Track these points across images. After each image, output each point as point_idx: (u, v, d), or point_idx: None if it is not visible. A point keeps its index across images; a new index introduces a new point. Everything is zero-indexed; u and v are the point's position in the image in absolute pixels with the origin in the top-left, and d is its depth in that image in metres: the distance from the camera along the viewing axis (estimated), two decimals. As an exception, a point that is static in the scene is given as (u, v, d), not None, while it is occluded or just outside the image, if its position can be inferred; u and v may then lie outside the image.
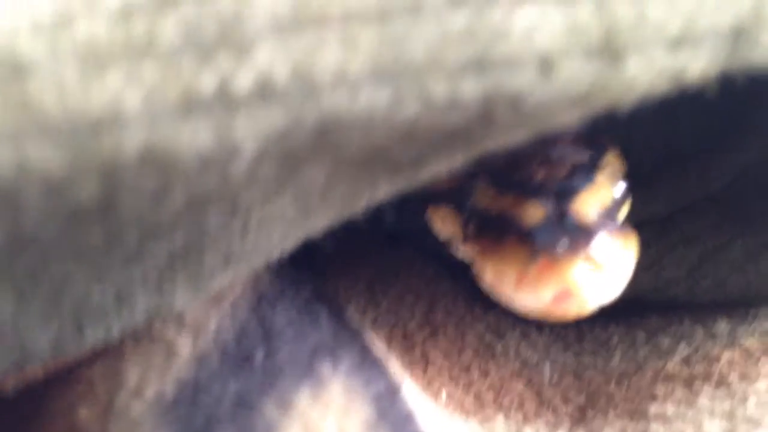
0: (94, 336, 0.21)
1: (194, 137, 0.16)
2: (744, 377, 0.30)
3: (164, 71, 0.16)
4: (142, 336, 0.23)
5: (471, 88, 0.18)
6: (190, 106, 0.16)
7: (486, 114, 0.18)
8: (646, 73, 0.19)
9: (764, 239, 0.32)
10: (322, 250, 0.39)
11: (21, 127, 0.15)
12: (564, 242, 0.23)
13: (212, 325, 0.23)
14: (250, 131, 0.16)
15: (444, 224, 0.29)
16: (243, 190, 0.18)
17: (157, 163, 0.16)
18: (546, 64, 0.18)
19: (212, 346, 0.23)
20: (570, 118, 0.19)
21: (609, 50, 0.19)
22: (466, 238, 0.28)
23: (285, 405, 0.21)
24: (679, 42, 0.19)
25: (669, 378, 0.31)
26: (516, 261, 0.24)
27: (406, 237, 0.39)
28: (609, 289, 0.24)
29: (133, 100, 0.16)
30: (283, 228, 0.21)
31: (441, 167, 0.21)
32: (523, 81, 0.18)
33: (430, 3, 0.18)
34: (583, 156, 0.28)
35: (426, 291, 0.37)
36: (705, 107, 0.36)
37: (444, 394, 0.31)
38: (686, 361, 0.31)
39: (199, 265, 0.20)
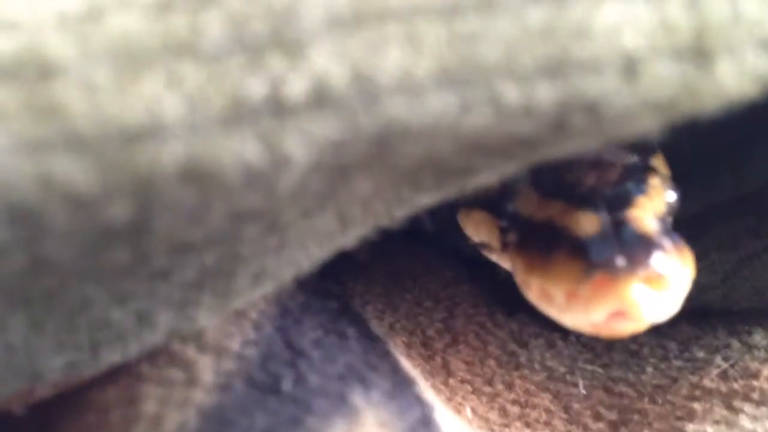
0: (109, 358, 0.19)
1: (241, 149, 0.14)
2: (787, 396, 0.28)
3: (208, 74, 0.14)
4: (160, 356, 0.20)
5: (547, 94, 0.16)
6: (237, 114, 0.14)
7: (560, 121, 0.16)
8: (737, 75, 0.17)
9: None
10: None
11: (46, 136, 0.13)
12: (622, 257, 0.21)
13: (235, 345, 0.21)
14: (303, 142, 0.14)
15: (478, 229, 0.27)
16: (287, 206, 0.16)
17: (198, 178, 0.14)
18: (630, 66, 0.16)
19: (236, 369, 0.20)
20: (651, 125, 0.17)
21: (699, 50, 0.17)
22: (505, 247, 0.25)
23: None
24: None
25: (706, 394, 0.29)
26: (567, 277, 0.22)
27: (425, 236, 0.37)
28: (667, 309, 0.22)
29: (173, 107, 0.13)
30: (320, 241, 0.19)
31: (492, 176, 0.19)
32: (605, 85, 0.16)
33: None
34: (632, 157, 0.26)
35: (445, 295, 0.35)
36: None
37: (469, 410, 0.29)
38: (724, 375, 0.30)
39: (228, 283, 0.18)
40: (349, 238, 0.20)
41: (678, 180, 0.33)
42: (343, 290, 0.34)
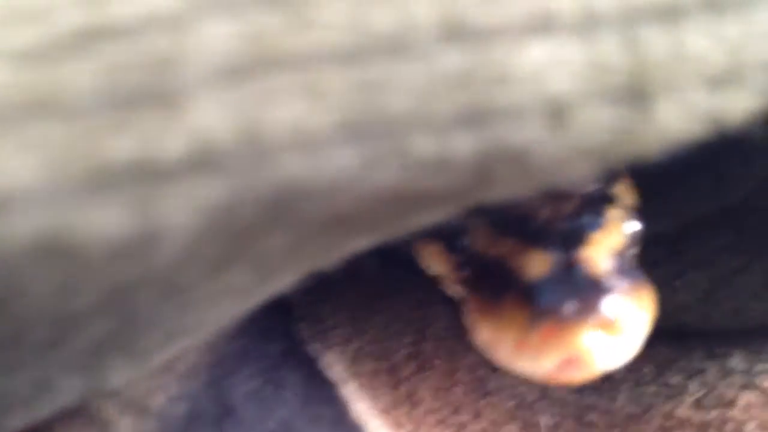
0: (10, 424, 0.18)
1: (105, 220, 0.12)
2: (763, 426, 0.27)
3: (71, 134, 0.12)
4: (76, 416, 0.19)
5: (464, 145, 0.14)
6: (101, 180, 0.12)
7: (483, 173, 0.15)
8: (681, 116, 0.16)
9: None
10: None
11: None
12: (572, 302, 0.20)
13: (158, 403, 0.20)
14: (183, 209, 0.13)
15: (433, 262, 0.26)
16: (178, 273, 0.14)
17: (57, 254, 0.12)
18: (557, 112, 0.15)
19: (156, 430, 0.19)
20: (585, 172, 0.16)
21: (637, 91, 0.15)
22: (458, 282, 0.24)
23: None
24: (721, 80, 0.16)
25: (679, 425, 0.28)
26: (515, 324, 0.20)
27: (393, 257, 0.36)
28: (622, 355, 0.21)
29: (28, 173, 0.12)
30: (238, 297, 0.17)
31: (431, 219, 0.17)
32: (530, 133, 0.15)
33: (418, 38, 0.14)
34: (591, 185, 0.24)
35: (415, 317, 0.34)
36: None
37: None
38: (698, 404, 0.28)
39: (133, 346, 0.17)
40: (275, 289, 0.18)
41: (655, 194, 0.32)
42: (308, 314, 0.33)
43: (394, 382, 0.31)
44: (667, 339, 0.32)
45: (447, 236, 0.24)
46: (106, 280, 0.13)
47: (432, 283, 0.35)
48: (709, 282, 0.30)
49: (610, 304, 0.20)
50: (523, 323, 0.20)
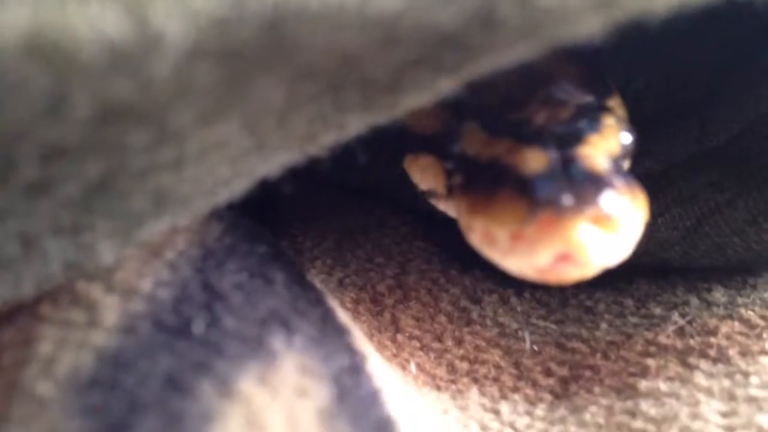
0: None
1: (100, 20, 0.12)
2: (745, 353, 0.27)
3: None
4: (63, 295, 0.19)
5: None
6: None
7: (487, 13, 0.14)
8: None
9: None
10: (284, 203, 0.36)
11: None
12: (569, 194, 0.20)
13: (146, 286, 0.19)
14: (178, 17, 0.12)
15: (424, 175, 0.25)
16: (173, 102, 0.14)
17: (49, 55, 0.12)
18: None
19: (144, 311, 0.18)
20: (593, 25, 0.15)
21: None
22: (451, 191, 0.24)
23: (226, 388, 0.17)
24: None
25: (661, 351, 0.28)
26: (511, 217, 0.20)
27: (379, 190, 0.35)
28: (616, 252, 0.21)
29: None
30: (232, 162, 0.17)
31: (424, 94, 0.17)
32: None
33: None
34: (587, 96, 0.24)
35: (398, 250, 0.33)
36: (707, 51, 0.33)
37: (413, 366, 0.27)
38: (680, 332, 0.28)
39: (123, 205, 0.16)
40: (271, 163, 0.18)
41: (642, 135, 0.32)
42: (285, 239, 0.33)
43: (377, 309, 0.30)
44: (650, 275, 0.32)
45: (439, 145, 0.24)
46: (99, 96, 0.13)
47: (416, 216, 0.35)
48: (693, 218, 0.30)
49: (607, 199, 0.20)
50: (520, 215, 0.20)
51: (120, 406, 0.16)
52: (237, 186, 0.18)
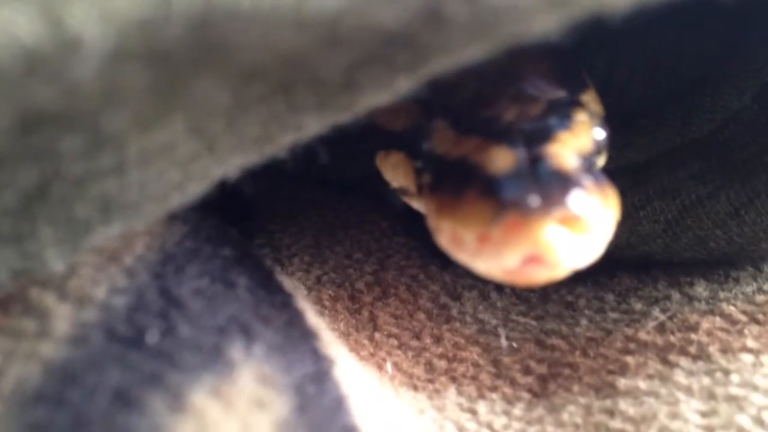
0: None
1: (14, 24, 0.11)
2: (726, 349, 0.26)
3: None
4: (15, 304, 0.18)
5: None
6: None
7: (433, 10, 0.14)
8: None
9: (753, 189, 0.28)
10: (261, 199, 0.35)
11: None
12: (536, 195, 0.19)
13: (100, 293, 0.19)
14: (93, 19, 0.12)
15: (395, 173, 0.25)
16: (103, 107, 0.13)
17: None
18: None
19: (97, 320, 0.18)
20: (542, 24, 0.15)
21: None
22: (421, 190, 0.23)
23: (177, 402, 0.17)
24: None
25: (641, 347, 0.27)
26: (478, 219, 0.20)
27: (358, 185, 0.35)
28: (586, 254, 0.20)
29: None
30: (181, 165, 0.16)
31: (382, 93, 0.16)
32: None
33: None
34: (559, 92, 0.23)
35: (377, 246, 0.33)
36: (689, 42, 0.32)
37: (389, 365, 0.27)
38: (660, 328, 0.28)
39: (66, 212, 0.15)
40: (226, 165, 0.17)
41: (624, 127, 0.31)
42: (269, 241, 0.33)
43: (355, 307, 0.30)
44: (632, 269, 0.31)
45: (409, 143, 0.23)
46: (19, 99, 0.12)
47: (395, 211, 0.34)
48: (675, 211, 0.30)
49: (575, 199, 0.19)
50: (486, 217, 0.19)
51: (65, 423, 0.16)
52: (192, 189, 0.17)
